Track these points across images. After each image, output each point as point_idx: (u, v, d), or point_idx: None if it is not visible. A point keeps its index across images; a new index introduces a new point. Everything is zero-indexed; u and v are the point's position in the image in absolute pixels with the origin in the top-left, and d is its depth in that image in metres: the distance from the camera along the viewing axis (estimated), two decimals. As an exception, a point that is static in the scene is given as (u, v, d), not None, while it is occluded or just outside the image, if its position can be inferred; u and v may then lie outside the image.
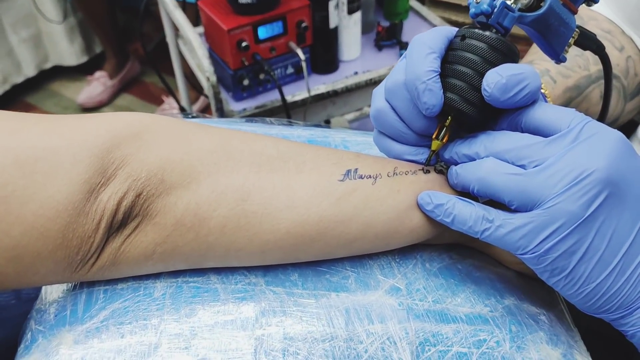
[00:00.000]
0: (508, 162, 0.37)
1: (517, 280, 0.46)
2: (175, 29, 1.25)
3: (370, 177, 0.40)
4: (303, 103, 1.09)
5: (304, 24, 1.06)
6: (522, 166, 0.36)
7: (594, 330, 0.71)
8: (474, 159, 0.39)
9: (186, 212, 0.37)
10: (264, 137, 0.42)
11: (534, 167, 0.36)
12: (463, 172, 0.39)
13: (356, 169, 0.40)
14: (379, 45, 1.20)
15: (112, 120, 0.37)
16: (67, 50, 2.14)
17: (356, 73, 1.14)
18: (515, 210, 0.37)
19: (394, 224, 0.40)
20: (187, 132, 0.39)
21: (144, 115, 0.39)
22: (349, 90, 1.13)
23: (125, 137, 0.36)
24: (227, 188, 0.38)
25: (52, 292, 0.41)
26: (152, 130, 0.38)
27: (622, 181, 0.35)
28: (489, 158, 0.38)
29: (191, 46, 1.04)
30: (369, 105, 1.77)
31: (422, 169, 0.42)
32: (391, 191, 0.40)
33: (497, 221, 0.37)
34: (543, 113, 0.38)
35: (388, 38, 1.19)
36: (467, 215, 0.38)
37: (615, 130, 0.36)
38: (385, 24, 1.22)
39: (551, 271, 0.36)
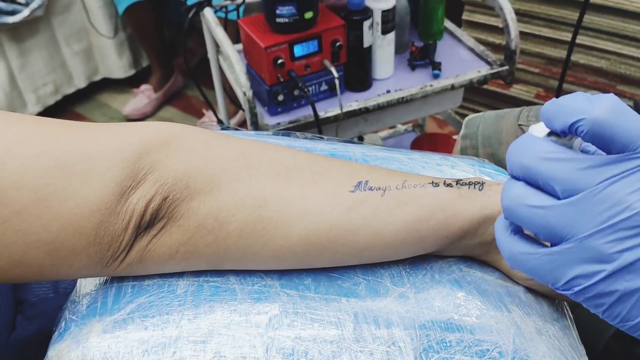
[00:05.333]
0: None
1: (525, 295, 0.47)
2: (217, 45, 1.30)
3: (379, 189, 0.43)
4: (335, 119, 1.12)
5: (338, 43, 1.09)
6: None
7: (615, 352, 0.71)
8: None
9: (208, 216, 0.40)
10: (283, 148, 0.45)
11: (567, 196, 0.32)
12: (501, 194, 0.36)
13: (367, 181, 0.43)
14: (412, 65, 1.22)
15: (143, 129, 0.41)
16: (116, 63, 2.23)
17: (388, 91, 1.17)
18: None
19: (402, 234, 0.43)
20: (211, 142, 0.42)
21: (173, 125, 0.42)
22: (380, 108, 1.15)
23: (154, 145, 0.40)
24: (246, 195, 0.41)
25: (86, 286, 0.45)
26: (180, 139, 0.41)
27: None
28: (518, 184, 0.34)
29: (230, 62, 1.09)
30: (402, 123, 1.79)
31: (431, 183, 0.44)
32: (399, 203, 0.43)
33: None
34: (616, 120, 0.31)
35: (421, 58, 1.21)
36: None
37: None
38: (419, 44, 1.24)
39: (587, 305, 0.33)
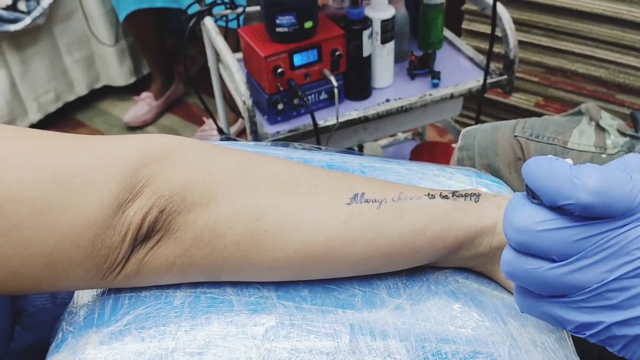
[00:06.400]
0: None
1: (521, 306, 0.47)
2: (217, 54, 1.30)
3: (375, 201, 0.43)
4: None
5: (338, 53, 1.10)
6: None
7: (606, 357, 0.71)
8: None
9: (204, 228, 0.40)
10: (280, 160, 0.45)
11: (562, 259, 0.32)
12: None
13: (363, 193, 0.43)
14: (412, 74, 1.22)
15: (141, 141, 0.41)
16: (117, 71, 2.24)
17: (388, 100, 1.17)
18: None
19: (398, 246, 0.43)
20: (208, 154, 0.43)
21: (171, 138, 0.43)
22: (380, 117, 1.15)
23: (152, 157, 0.40)
24: (243, 207, 0.41)
25: (83, 297, 0.45)
26: (177, 151, 0.41)
27: None
28: (507, 249, 0.35)
29: (230, 71, 1.09)
30: (402, 132, 1.79)
31: (427, 195, 0.45)
32: (395, 215, 0.43)
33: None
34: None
35: (421, 67, 1.22)
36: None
37: None
38: (418, 53, 1.25)
39: (603, 345, 0.34)
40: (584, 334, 0.34)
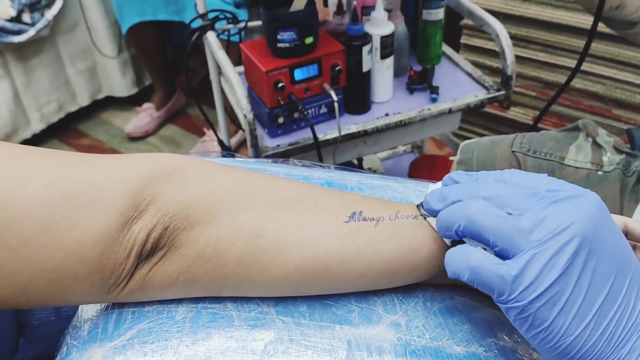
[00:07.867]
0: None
1: (514, 323, 0.48)
2: (218, 68, 1.32)
3: (373, 219, 0.44)
4: (334, 141, 1.14)
5: (338, 67, 1.12)
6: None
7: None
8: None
9: (207, 245, 0.42)
10: (280, 179, 0.47)
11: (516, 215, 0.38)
12: (451, 211, 0.41)
13: (361, 212, 0.44)
14: (411, 89, 1.24)
15: (148, 160, 0.42)
16: (119, 82, 2.26)
17: (387, 114, 1.19)
18: (499, 254, 0.39)
19: (395, 264, 0.44)
20: (211, 173, 0.44)
21: (176, 157, 0.44)
22: (379, 131, 1.17)
23: (157, 176, 0.41)
24: (244, 225, 0.42)
25: (87, 311, 0.46)
26: (182, 170, 0.43)
27: (598, 237, 0.37)
28: (478, 199, 0.40)
29: (231, 84, 1.11)
30: (402, 144, 1.80)
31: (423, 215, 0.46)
32: (392, 233, 0.44)
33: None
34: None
35: (419, 82, 1.23)
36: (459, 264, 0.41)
37: (591, 192, 0.39)
38: (417, 68, 1.27)
39: (532, 322, 0.37)
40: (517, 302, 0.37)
